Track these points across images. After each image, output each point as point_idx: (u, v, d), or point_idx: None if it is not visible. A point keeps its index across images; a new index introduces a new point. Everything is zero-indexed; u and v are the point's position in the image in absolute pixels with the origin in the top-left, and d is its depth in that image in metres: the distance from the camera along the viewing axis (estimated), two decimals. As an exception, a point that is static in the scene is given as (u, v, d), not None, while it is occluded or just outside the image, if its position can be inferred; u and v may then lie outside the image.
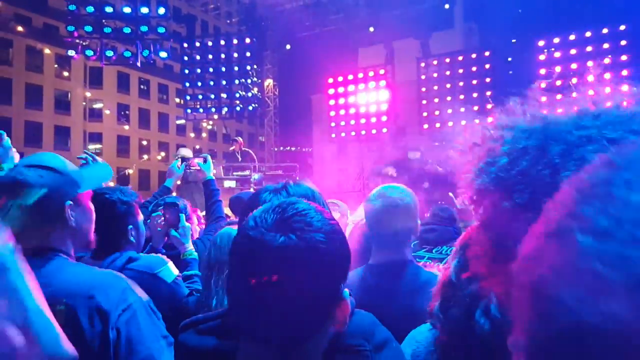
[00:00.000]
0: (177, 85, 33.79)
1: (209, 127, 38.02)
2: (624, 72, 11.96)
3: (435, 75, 14.38)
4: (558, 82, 12.40)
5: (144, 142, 44.09)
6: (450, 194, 4.18)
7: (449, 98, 13.86)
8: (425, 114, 14.35)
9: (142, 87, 44.33)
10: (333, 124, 16.60)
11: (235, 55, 15.62)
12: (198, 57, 15.72)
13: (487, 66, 13.53)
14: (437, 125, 14.17)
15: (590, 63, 12.24)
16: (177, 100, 41.27)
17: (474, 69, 13.55)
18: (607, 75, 11.96)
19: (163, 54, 14.33)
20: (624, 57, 12.05)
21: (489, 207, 0.82)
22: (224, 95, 15.69)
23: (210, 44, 15.89)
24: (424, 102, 14.51)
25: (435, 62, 14.50)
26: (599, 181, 0.39)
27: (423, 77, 14.66)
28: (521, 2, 14.23)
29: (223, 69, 15.58)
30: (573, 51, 12.57)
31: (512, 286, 0.55)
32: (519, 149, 0.79)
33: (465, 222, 3.37)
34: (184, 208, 3.00)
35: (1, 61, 35.20)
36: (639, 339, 0.30)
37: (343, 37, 16.86)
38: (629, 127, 0.75)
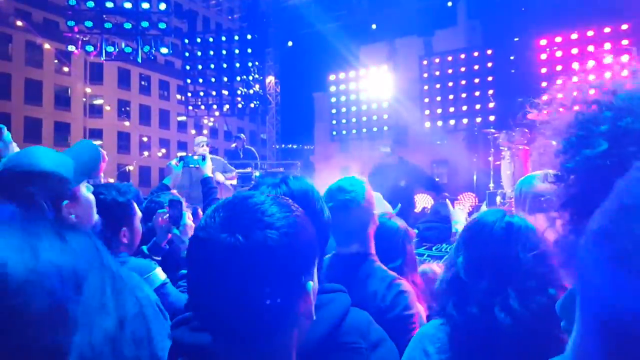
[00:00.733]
0: (178, 81, 33.76)
1: (210, 124, 37.98)
2: (624, 73, 11.91)
3: (437, 73, 14.35)
4: (559, 81, 12.38)
5: (145, 139, 44.09)
6: (447, 201, 4.25)
7: (451, 96, 13.83)
8: (427, 112, 14.33)
9: (143, 83, 44.31)
10: (335, 122, 16.60)
11: (237, 51, 15.59)
12: (199, 54, 15.68)
13: (490, 64, 13.50)
14: (439, 123, 14.15)
15: (592, 62, 12.23)
16: (178, 96, 41.21)
17: (476, 67, 13.52)
18: (608, 74, 11.93)
19: (164, 50, 14.28)
20: (625, 57, 12.00)
21: (578, 198, 0.72)
22: (225, 92, 15.67)
23: (211, 40, 15.85)
24: (426, 100, 14.48)
25: (437, 60, 14.47)
26: None
27: (425, 75, 14.63)
28: (524, 1, 14.20)
29: (224, 65, 15.55)
30: (575, 50, 12.55)
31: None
32: (621, 130, 0.67)
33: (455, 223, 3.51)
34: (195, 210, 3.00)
35: (0, 56, 35.16)
36: None
37: (345, 34, 16.84)
38: None
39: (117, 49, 14.27)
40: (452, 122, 13.63)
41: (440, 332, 1.48)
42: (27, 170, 1.48)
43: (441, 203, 4.21)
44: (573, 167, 0.74)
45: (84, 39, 14.13)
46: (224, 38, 15.80)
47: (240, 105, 15.77)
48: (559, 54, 12.80)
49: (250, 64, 15.60)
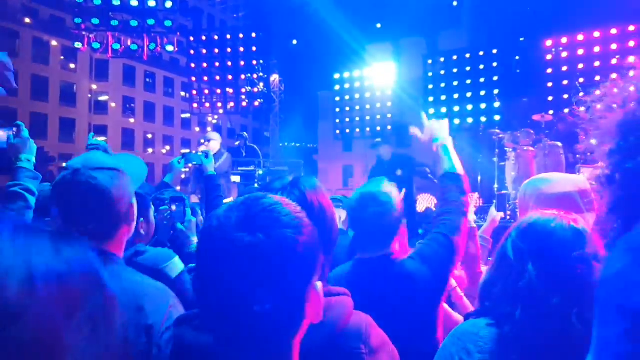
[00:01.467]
0: (183, 78, 33.80)
1: (214, 121, 38.04)
2: (631, 74, 11.88)
3: (442, 72, 14.32)
4: (565, 82, 12.36)
5: (149, 136, 44.22)
6: None
7: (456, 96, 13.80)
8: (432, 111, 14.31)
9: (147, 80, 44.43)
10: (338, 121, 16.61)
11: (242, 49, 15.61)
12: (204, 51, 15.71)
13: (495, 64, 13.47)
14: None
15: (597, 63, 12.20)
16: (183, 93, 41.33)
17: (481, 67, 13.47)
18: (614, 75, 11.91)
19: (170, 48, 14.34)
20: (631, 59, 11.96)
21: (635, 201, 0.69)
22: (230, 90, 15.69)
23: (216, 38, 15.88)
24: (431, 99, 14.46)
25: (442, 60, 14.44)
26: None
27: (430, 74, 14.60)
28: (530, 1, 14.15)
29: (229, 63, 15.57)
30: (580, 51, 12.51)
31: None
32: None
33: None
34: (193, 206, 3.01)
35: (8, 52, 35.25)
36: None
37: (350, 33, 16.83)
38: None
39: (123, 47, 14.33)
40: (457, 121, 13.59)
41: (483, 331, 1.47)
42: (108, 167, 1.58)
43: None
44: (633, 167, 0.71)
45: (91, 36, 14.19)
46: (228, 36, 15.82)
47: (244, 104, 15.79)
48: (564, 54, 12.77)
49: (254, 62, 15.61)
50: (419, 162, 9.09)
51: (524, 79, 13.78)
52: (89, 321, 0.54)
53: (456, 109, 13.70)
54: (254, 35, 15.60)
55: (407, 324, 1.73)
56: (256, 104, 15.79)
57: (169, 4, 13.83)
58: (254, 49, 15.57)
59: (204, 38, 15.90)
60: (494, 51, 13.64)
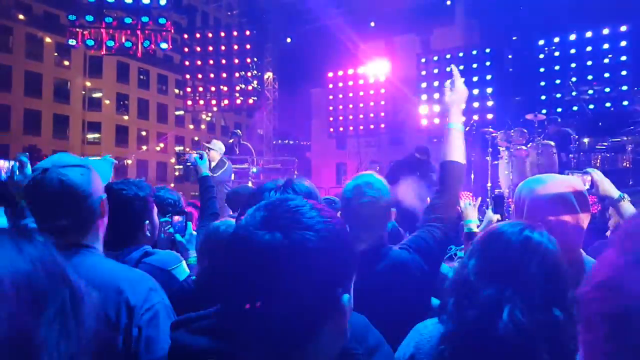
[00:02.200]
0: (177, 76, 33.72)
1: (208, 119, 37.97)
2: (623, 73, 12.00)
3: (435, 71, 14.36)
4: (557, 81, 12.44)
5: (143, 133, 44.07)
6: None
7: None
8: (425, 109, 14.35)
9: (141, 77, 44.24)
10: (332, 119, 16.63)
11: (236, 47, 15.60)
12: (198, 49, 15.69)
13: (488, 63, 13.53)
14: (436, 121, 14.17)
15: (589, 62, 12.29)
16: (177, 91, 41.20)
17: (474, 65, 13.52)
18: (607, 75, 12.01)
19: (164, 45, 14.29)
20: (623, 58, 12.08)
21: None
22: (224, 88, 15.67)
23: (210, 35, 15.86)
24: (424, 97, 14.50)
25: (435, 58, 14.48)
26: None
27: (423, 72, 14.64)
28: (523, 0, 14.23)
29: (223, 61, 15.56)
30: (572, 51, 12.60)
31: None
32: None
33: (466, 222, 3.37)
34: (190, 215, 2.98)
35: (1, 48, 35.06)
36: None
37: (344, 32, 16.85)
38: None
39: (117, 44, 14.27)
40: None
41: (428, 328, 1.52)
42: (76, 164, 1.66)
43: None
44: None
45: (85, 32, 14.13)
46: (223, 34, 15.81)
47: (239, 101, 15.78)
48: (557, 54, 12.86)
49: (248, 60, 15.60)
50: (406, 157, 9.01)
51: (517, 78, 13.86)
52: (58, 317, 0.54)
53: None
54: (248, 33, 15.60)
55: (401, 314, 1.75)
56: (250, 101, 15.78)
57: (163, 1, 13.78)
58: (248, 47, 15.56)
59: (198, 36, 15.88)
60: (487, 50, 13.70)
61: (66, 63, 39.23)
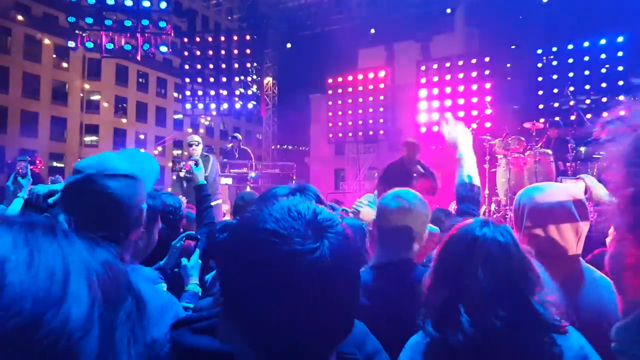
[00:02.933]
0: (176, 79, 33.69)
1: (207, 123, 37.96)
2: (620, 83, 12.08)
3: (435, 79, 14.40)
4: (555, 90, 12.50)
5: (141, 136, 44.01)
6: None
7: (448, 102, 13.87)
8: (424, 117, 14.38)
9: (140, 80, 44.23)
10: (331, 124, 16.66)
11: (236, 51, 15.64)
12: (198, 53, 15.73)
13: (487, 72, 13.58)
14: (435, 128, 14.21)
15: (587, 72, 12.37)
16: (175, 94, 41.20)
17: (474, 74, 13.57)
18: (604, 85, 12.09)
19: (163, 49, 14.31)
20: (620, 68, 12.17)
21: None
22: (223, 92, 15.70)
23: (210, 39, 15.90)
24: (423, 105, 14.53)
25: (435, 66, 14.52)
26: None
27: (423, 80, 14.68)
28: (521, 9, 14.31)
29: (223, 65, 15.59)
30: (570, 60, 12.69)
31: None
32: None
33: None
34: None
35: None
36: None
37: (344, 38, 16.90)
38: None
39: (117, 46, 14.28)
40: (448, 127, 13.67)
41: (417, 342, 1.49)
42: (120, 173, 1.51)
43: (445, 211, 4.08)
44: None
45: (84, 35, 14.14)
46: (223, 38, 15.85)
47: (238, 106, 15.80)
48: (555, 63, 12.94)
49: (248, 65, 15.64)
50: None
51: (515, 87, 13.92)
52: (128, 322, 0.52)
53: (448, 115, 13.75)
54: (248, 37, 15.64)
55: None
56: (249, 106, 15.81)
57: (163, 5, 13.81)
58: (248, 51, 15.61)
59: (198, 39, 15.92)
60: (487, 59, 13.76)
61: (65, 65, 39.19)
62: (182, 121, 43.40)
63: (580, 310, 1.62)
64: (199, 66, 15.73)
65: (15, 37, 35.87)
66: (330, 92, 16.73)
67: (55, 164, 36.84)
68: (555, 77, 12.78)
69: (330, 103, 16.72)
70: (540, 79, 13.11)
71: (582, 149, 10.70)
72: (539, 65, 13.15)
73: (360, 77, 16.19)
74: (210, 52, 15.69)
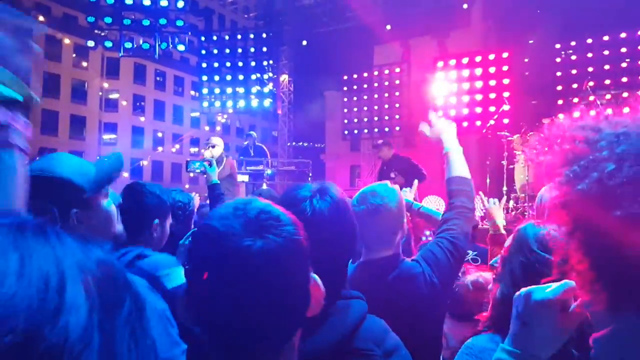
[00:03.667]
0: (193, 77, 33.94)
1: (223, 120, 38.18)
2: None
3: (452, 75, 14.23)
4: (574, 85, 12.33)
5: (159, 134, 44.42)
6: (480, 193, 3.98)
7: (465, 98, 13.68)
8: (440, 113, 14.26)
9: (158, 79, 44.65)
10: (346, 121, 16.62)
11: (252, 49, 15.72)
12: (215, 51, 15.83)
13: (505, 68, 13.39)
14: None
15: (607, 67, 12.16)
16: (192, 92, 41.50)
17: (492, 69, 13.36)
18: (624, 79, 11.88)
19: (181, 47, 14.46)
20: (643, 63, 11.95)
21: (592, 215, 0.78)
22: (240, 90, 15.78)
23: (227, 38, 15.99)
24: (440, 101, 14.38)
25: (452, 62, 14.35)
26: None
27: (440, 76, 14.51)
28: (539, 3, 14.12)
29: (240, 63, 15.68)
30: (590, 54, 12.48)
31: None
32: (618, 154, 0.77)
33: (492, 223, 3.27)
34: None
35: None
36: None
37: (359, 34, 16.85)
38: None
39: (135, 45, 14.46)
40: (465, 124, 13.54)
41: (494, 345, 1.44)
42: (44, 176, 1.50)
43: None
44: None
45: (103, 34, 14.34)
46: (239, 36, 15.94)
47: (254, 103, 15.88)
48: (574, 57, 12.74)
49: (265, 63, 15.70)
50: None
51: (534, 82, 13.74)
52: (128, 324, 0.49)
53: (465, 111, 13.60)
54: (264, 35, 15.71)
55: (411, 327, 1.68)
56: (266, 103, 15.87)
57: (180, 4, 13.94)
58: (264, 49, 15.67)
59: (215, 38, 16.02)
60: (504, 54, 13.57)
61: (84, 64, 39.72)
62: (199, 119, 43.71)
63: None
64: (216, 64, 15.83)
65: (36, 37, 36.41)
66: (345, 88, 16.69)
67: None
68: (574, 72, 12.57)
69: (345, 100, 16.68)
70: (559, 74, 12.92)
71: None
72: (558, 60, 12.97)
73: (375, 73, 16.13)
74: (227, 51, 15.77)
